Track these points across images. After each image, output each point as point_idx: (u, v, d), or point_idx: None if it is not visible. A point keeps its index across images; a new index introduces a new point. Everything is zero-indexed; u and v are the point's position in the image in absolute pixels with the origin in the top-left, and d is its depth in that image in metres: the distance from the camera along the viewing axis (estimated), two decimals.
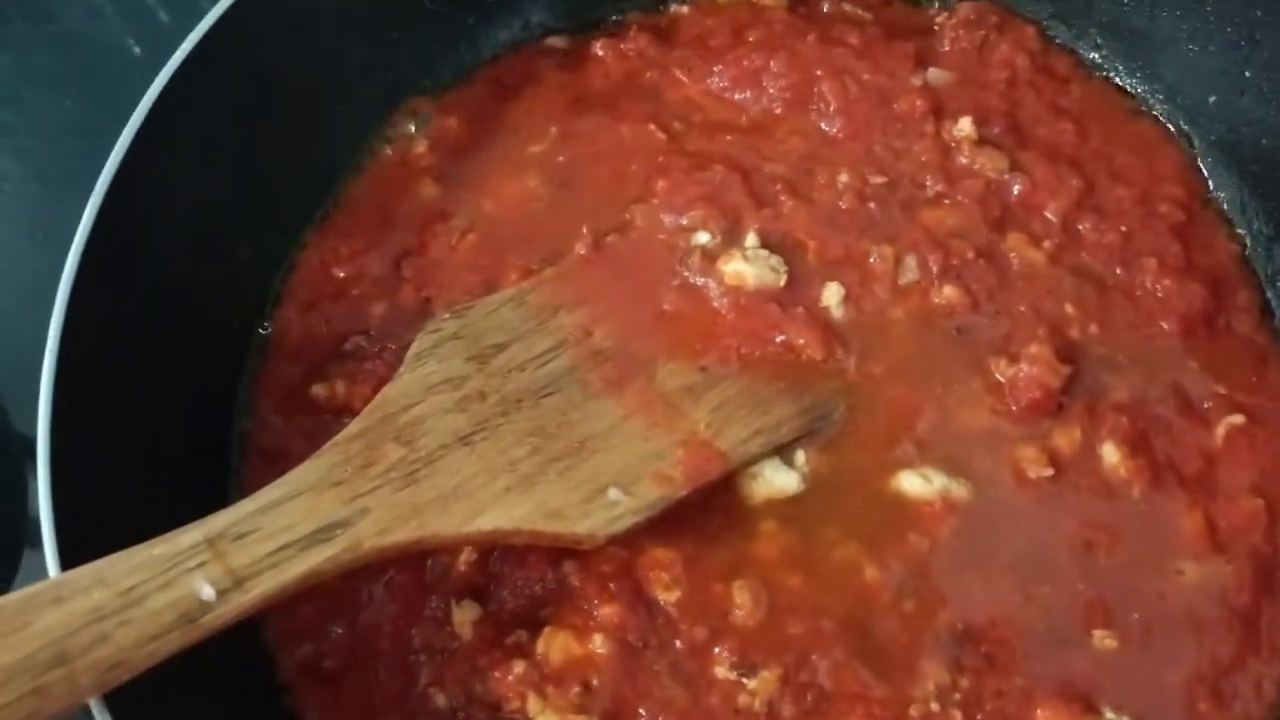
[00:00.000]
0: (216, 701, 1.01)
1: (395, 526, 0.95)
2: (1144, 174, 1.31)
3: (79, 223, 1.03)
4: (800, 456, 1.13)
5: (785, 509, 1.11)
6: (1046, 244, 1.23)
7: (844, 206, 1.25)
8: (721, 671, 1.04)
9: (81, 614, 0.80)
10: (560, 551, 1.06)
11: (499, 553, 1.09)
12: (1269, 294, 1.27)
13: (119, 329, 1.06)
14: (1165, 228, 1.26)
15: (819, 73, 1.32)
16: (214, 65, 1.14)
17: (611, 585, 1.06)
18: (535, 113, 1.36)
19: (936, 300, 1.20)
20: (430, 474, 0.99)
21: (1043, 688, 1.04)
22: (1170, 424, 1.16)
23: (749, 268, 1.19)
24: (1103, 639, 1.06)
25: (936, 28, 1.40)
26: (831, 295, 1.20)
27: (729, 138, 1.31)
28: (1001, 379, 1.16)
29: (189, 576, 0.85)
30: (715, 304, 1.19)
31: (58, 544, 0.92)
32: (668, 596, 1.06)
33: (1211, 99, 1.34)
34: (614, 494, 1.04)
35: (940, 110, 1.31)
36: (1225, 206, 1.32)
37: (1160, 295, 1.22)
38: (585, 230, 1.23)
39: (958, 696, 1.03)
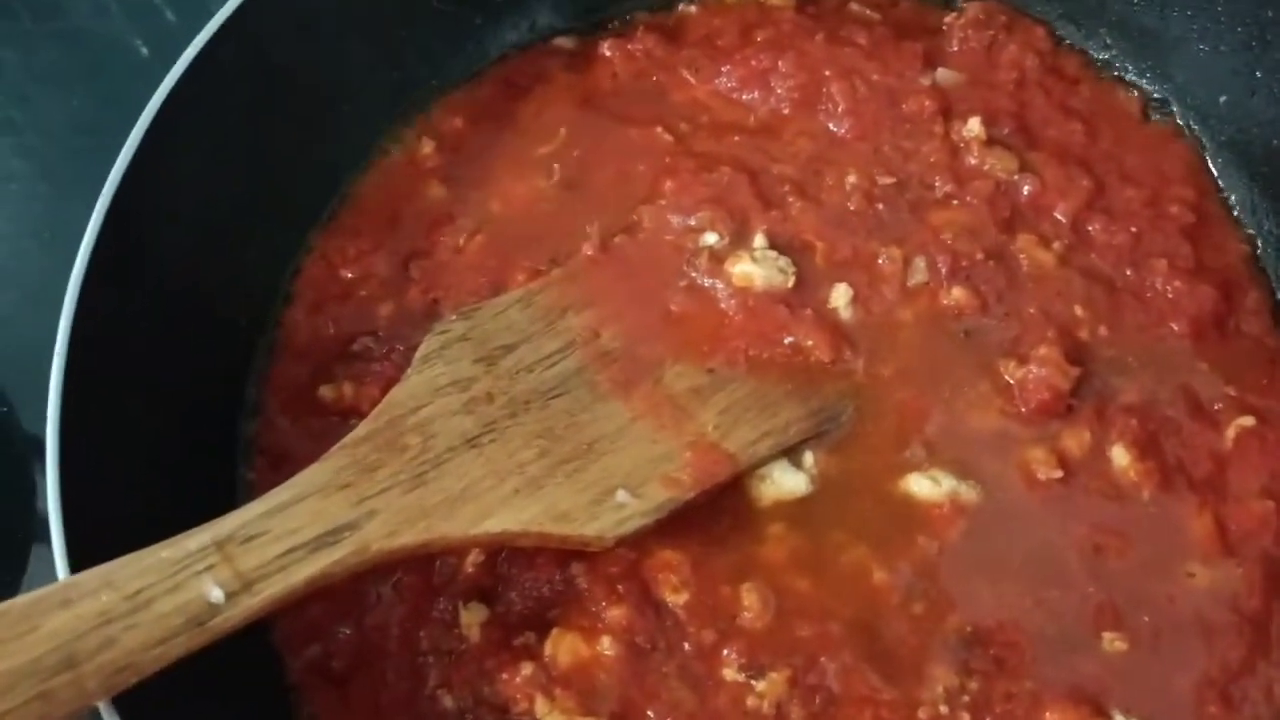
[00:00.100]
0: (224, 703, 1.01)
1: (403, 529, 0.95)
2: (1154, 175, 1.30)
3: (85, 222, 1.03)
4: (808, 458, 1.13)
5: (793, 511, 1.11)
6: (1056, 245, 1.23)
7: (852, 207, 1.24)
8: (730, 674, 1.04)
9: (89, 617, 0.80)
10: (568, 553, 1.06)
11: (507, 554, 1.09)
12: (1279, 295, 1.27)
13: (126, 328, 1.06)
14: (1175, 229, 1.26)
15: (827, 73, 1.32)
16: (222, 65, 1.14)
17: (619, 587, 1.06)
18: (542, 113, 1.36)
19: (945, 302, 1.20)
20: (438, 476, 0.99)
21: (1052, 691, 1.04)
22: (1180, 426, 1.15)
23: (757, 269, 1.18)
24: (1112, 642, 1.06)
25: (945, 28, 1.39)
26: (840, 297, 1.19)
27: (737, 138, 1.31)
28: (1011, 381, 1.16)
29: (197, 579, 0.85)
30: (723, 305, 1.18)
31: (66, 542, 0.93)
32: (676, 598, 1.06)
33: (1222, 99, 1.33)
34: (622, 496, 1.04)
35: (949, 111, 1.31)
36: (1236, 207, 1.31)
37: (1170, 297, 1.21)
38: (593, 231, 1.23)
39: (966, 699, 1.03)
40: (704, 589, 1.07)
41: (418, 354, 1.09)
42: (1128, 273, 1.23)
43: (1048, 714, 1.03)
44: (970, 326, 1.19)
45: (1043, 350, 1.15)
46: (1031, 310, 1.19)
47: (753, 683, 1.04)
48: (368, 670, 1.07)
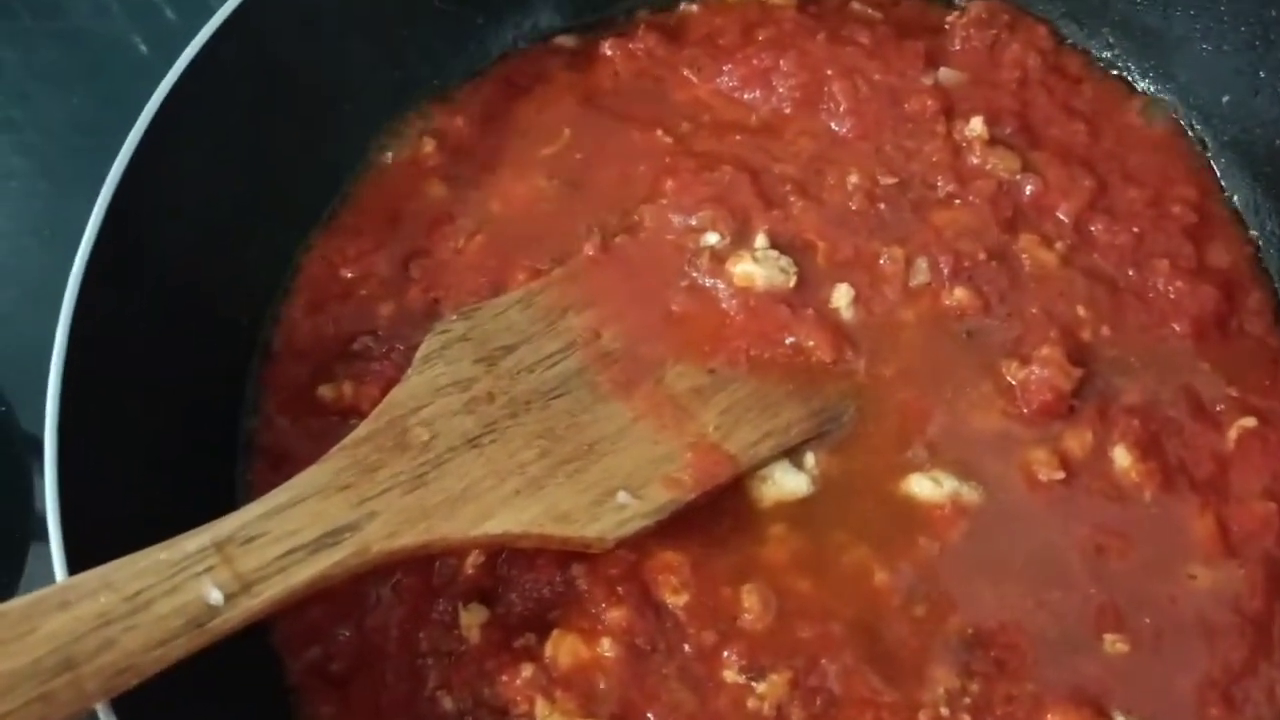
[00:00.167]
0: (224, 705, 1.01)
1: (403, 530, 0.95)
2: (1156, 175, 1.30)
3: (85, 220, 1.03)
4: (810, 459, 1.13)
5: (795, 512, 1.11)
6: (1058, 245, 1.23)
7: (854, 207, 1.24)
8: (730, 675, 1.04)
9: (88, 619, 0.80)
10: (568, 554, 1.06)
11: (507, 555, 1.09)
12: None
13: (126, 327, 1.06)
14: (1178, 229, 1.26)
15: (829, 72, 1.32)
16: (222, 64, 1.13)
17: (620, 588, 1.06)
18: (544, 113, 1.35)
19: (947, 302, 1.19)
20: (438, 477, 0.99)
21: (1053, 692, 1.03)
22: (1182, 427, 1.15)
23: (758, 269, 1.18)
24: (1114, 643, 1.05)
25: (947, 27, 1.39)
26: (841, 297, 1.19)
27: (738, 138, 1.30)
28: (1013, 381, 1.15)
29: (196, 581, 0.84)
30: (724, 305, 1.18)
31: (64, 543, 0.92)
32: (676, 600, 1.06)
33: (1225, 99, 1.33)
34: (623, 497, 1.04)
35: (951, 110, 1.30)
36: (1238, 208, 1.31)
37: (1172, 297, 1.21)
38: (593, 231, 1.23)
39: (967, 701, 1.03)
40: (704, 590, 1.07)
41: (418, 354, 1.09)
42: (1130, 273, 1.22)
43: (1049, 716, 1.02)
44: (972, 327, 1.19)
45: (1045, 351, 1.15)
46: (1034, 310, 1.19)
47: (753, 684, 1.03)
48: (367, 672, 1.07)
